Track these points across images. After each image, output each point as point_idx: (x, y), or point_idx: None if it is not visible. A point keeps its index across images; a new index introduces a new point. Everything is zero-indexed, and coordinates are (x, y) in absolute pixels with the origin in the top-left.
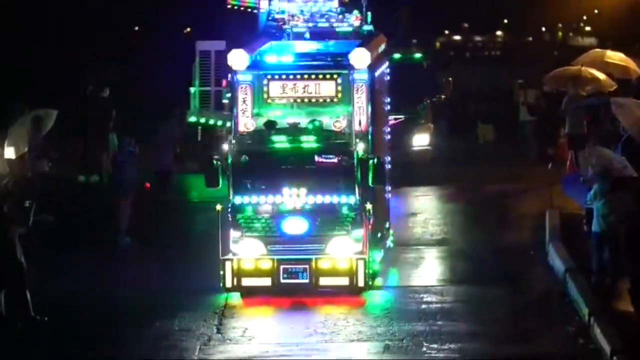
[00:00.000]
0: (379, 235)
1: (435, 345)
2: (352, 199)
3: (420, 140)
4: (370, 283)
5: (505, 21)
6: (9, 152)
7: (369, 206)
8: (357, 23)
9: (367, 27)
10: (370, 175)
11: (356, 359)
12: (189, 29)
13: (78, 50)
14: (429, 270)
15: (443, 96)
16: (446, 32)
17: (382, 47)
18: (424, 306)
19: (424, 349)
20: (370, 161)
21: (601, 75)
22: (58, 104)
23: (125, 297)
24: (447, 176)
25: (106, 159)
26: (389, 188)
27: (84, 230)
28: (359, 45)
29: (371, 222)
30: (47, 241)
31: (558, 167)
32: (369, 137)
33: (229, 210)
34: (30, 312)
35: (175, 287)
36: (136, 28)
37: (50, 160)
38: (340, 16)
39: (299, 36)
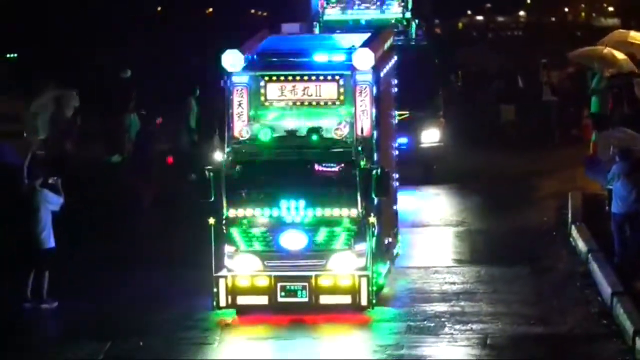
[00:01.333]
0: (386, 242)
1: (458, 326)
2: (354, 212)
3: (431, 136)
4: (374, 300)
5: (528, 1)
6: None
7: (372, 219)
8: (399, 10)
9: (407, 15)
10: (374, 186)
11: (379, 340)
12: (210, 9)
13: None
14: (450, 250)
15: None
16: (469, 12)
17: (390, 42)
18: (445, 287)
19: (447, 329)
20: (374, 171)
21: (625, 57)
22: (79, 84)
23: (143, 282)
24: (461, 171)
25: (127, 139)
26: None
27: (102, 213)
28: (364, 44)
29: (375, 234)
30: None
31: (581, 147)
32: (373, 143)
33: (223, 223)
34: (43, 295)
35: (194, 272)
36: (159, 8)
37: (71, 140)
38: (378, 3)
39: (329, 26)
